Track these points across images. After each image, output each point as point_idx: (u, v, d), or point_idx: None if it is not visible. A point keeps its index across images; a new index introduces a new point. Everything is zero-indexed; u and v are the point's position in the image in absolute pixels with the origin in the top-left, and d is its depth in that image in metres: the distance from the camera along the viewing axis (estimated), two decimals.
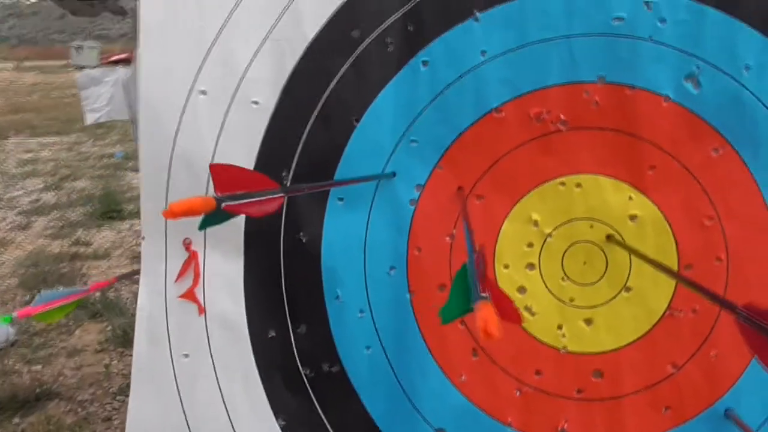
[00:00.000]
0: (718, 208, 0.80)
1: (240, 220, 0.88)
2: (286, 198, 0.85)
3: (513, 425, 0.83)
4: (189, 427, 0.88)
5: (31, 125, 5.50)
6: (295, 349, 0.88)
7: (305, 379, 0.88)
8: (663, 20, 0.79)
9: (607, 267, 0.83)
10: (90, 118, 1.07)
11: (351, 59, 0.85)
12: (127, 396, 1.57)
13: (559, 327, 0.83)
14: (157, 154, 0.87)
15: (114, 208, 3.13)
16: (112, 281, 1.08)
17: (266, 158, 0.87)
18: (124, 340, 1.83)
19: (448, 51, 0.84)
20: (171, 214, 0.59)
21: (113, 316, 1.85)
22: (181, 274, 0.89)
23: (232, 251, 0.87)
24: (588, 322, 0.83)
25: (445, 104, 0.84)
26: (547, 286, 0.83)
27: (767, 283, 0.79)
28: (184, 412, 0.88)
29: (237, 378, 0.88)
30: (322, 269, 0.86)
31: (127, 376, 1.67)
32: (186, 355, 0.88)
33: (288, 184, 0.87)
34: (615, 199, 0.82)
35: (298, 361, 0.88)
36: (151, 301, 0.89)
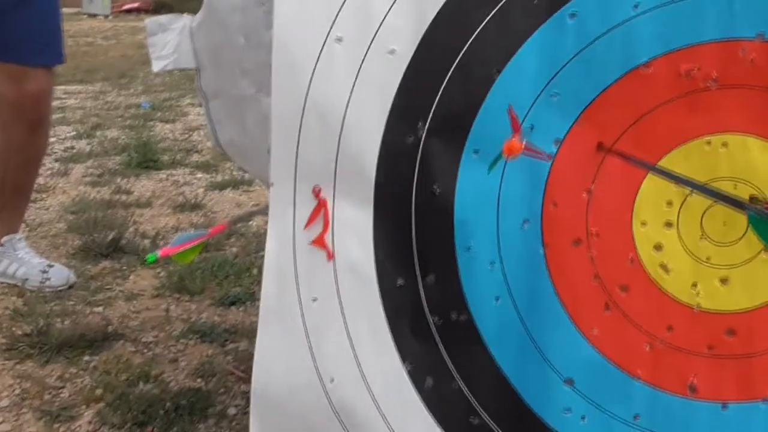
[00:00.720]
0: None
1: (370, 169, 0.89)
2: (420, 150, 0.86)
3: (642, 378, 0.85)
4: (317, 368, 0.91)
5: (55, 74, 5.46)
6: (423, 297, 0.90)
7: (433, 327, 0.90)
8: None
9: (747, 228, 0.83)
10: (157, 66, 1.07)
11: (495, 9, 0.84)
12: (190, 340, 1.63)
13: (694, 285, 0.85)
14: (289, 101, 0.87)
15: (150, 157, 3.14)
16: (225, 225, 1.10)
17: (401, 109, 0.87)
18: (180, 286, 1.87)
19: (599, 3, 0.82)
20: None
21: (167, 263, 1.89)
22: (311, 220, 0.90)
23: (363, 200, 0.89)
24: (723, 281, 0.84)
25: (591, 58, 0.83)
26: (684, 245, 0.84)
27: None
28: (312, 352, 0.91)
29: (364, 323, 0.91)
30: (454, 222, 0.88)
31: (186, 321, 1.73)
32: (315, 299, 0.90)
33: (423, 135, 0.87)
34: (762, 160, 0.82)
35: (426, 309, 0.90)
36: (280, 246, 0.91)
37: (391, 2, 0.85)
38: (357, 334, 0.92)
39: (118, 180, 2.99)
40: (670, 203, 0.85)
